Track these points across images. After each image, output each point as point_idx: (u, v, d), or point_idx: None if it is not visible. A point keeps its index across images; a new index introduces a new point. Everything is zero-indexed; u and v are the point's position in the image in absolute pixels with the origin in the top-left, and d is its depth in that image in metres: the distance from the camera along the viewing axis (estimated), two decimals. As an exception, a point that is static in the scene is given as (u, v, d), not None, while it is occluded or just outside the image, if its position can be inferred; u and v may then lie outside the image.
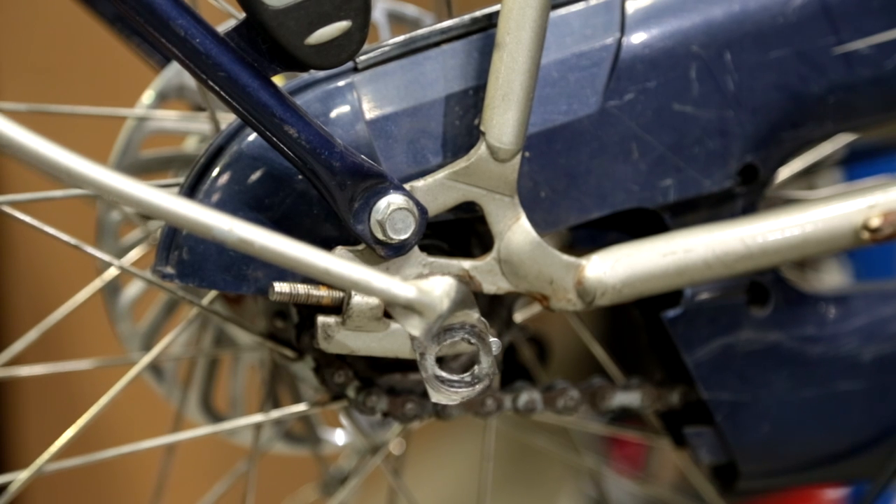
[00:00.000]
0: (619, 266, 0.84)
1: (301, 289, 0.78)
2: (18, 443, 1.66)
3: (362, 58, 0.83)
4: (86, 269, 0.99)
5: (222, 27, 0.76)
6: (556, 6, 0.85)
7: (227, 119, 0.87)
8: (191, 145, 1.02)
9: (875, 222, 0.86)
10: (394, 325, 0.80)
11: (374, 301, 0.78)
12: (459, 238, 0.86)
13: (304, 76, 0.83)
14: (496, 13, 0.81)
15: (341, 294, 0.79)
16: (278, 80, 0.77)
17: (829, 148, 1.04)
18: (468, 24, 0.84)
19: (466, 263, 0.83)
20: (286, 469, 1.23)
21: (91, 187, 0.65)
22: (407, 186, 0.80)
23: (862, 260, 1.53)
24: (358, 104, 0.82)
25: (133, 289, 1.01)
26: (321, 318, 0.80)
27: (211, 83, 0.74)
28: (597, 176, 0.85)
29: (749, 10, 0.87)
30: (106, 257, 0.89)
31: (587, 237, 0.89)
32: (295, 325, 0.88)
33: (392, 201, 0.78)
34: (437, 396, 0.78)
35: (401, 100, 0.82)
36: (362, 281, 0.72)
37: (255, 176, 0.81)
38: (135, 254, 0.98)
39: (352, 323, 0.79)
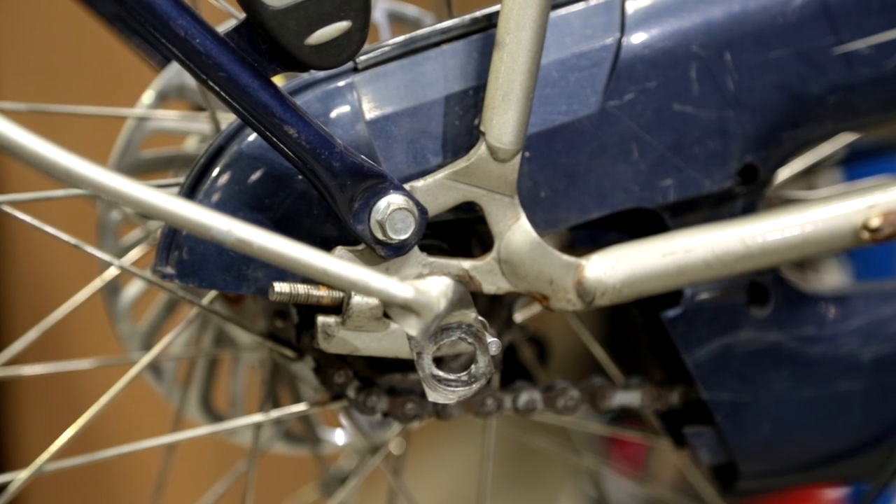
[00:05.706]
0: (618, 266, 0.84)
1: (301, 289, 0.78)
2: (19, 442, 1.66)
3: (362, 58, 0.83)
4: (86, 268, 0.99)
5: (222, 27, 0.76)
6: (556, 6, 0.85)
7: (228, 119, 0.87)
8: (191, 145, 1.02)
9: (875, 222, 0.86)
10: (393, 325, 0.80)
11: (373, 301, 0.78)
12: (459, 238, 0.86)
13: (305, 76, 0.83)
14: (496, 13, 0.81)
15: (341, 294, 0.79)
16: (278, 80, 0.77)
17: (829, 148, 1.04)
18: (468, 25, 0.84)
19: (466, 263, 0.82)
20: (286, 469, 1.23)
21: (90, 188, 0.65)
22: (407, 186, 0.80)
23: (862, 260, 1.53)
24: (358, 104, 0.82)
25: (133, 288, 1.01)
26: (321, 319, 0.80)
27: (211, 83, 0.74)
28: (597, 176, 0.85)
29: (749, 11, 0.87)
30: (106, 257, 0.89)
31: (587, 237, 0.89)
32: (295, 325, 0.88)
33: (392, 201, 0.78)
34: (433, 395, 0.78)
35: (401, 100, 0.82)
36: (360, 281, 0.72)
37: (254, 176, 0.81)
38: (135, 253, 0.98)
39: (352, 323, 0.79)
